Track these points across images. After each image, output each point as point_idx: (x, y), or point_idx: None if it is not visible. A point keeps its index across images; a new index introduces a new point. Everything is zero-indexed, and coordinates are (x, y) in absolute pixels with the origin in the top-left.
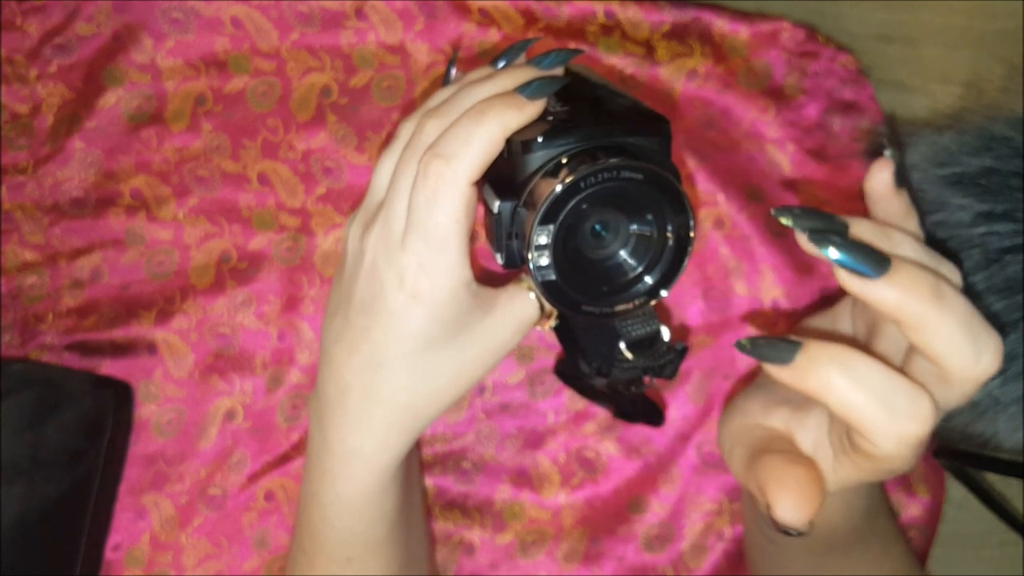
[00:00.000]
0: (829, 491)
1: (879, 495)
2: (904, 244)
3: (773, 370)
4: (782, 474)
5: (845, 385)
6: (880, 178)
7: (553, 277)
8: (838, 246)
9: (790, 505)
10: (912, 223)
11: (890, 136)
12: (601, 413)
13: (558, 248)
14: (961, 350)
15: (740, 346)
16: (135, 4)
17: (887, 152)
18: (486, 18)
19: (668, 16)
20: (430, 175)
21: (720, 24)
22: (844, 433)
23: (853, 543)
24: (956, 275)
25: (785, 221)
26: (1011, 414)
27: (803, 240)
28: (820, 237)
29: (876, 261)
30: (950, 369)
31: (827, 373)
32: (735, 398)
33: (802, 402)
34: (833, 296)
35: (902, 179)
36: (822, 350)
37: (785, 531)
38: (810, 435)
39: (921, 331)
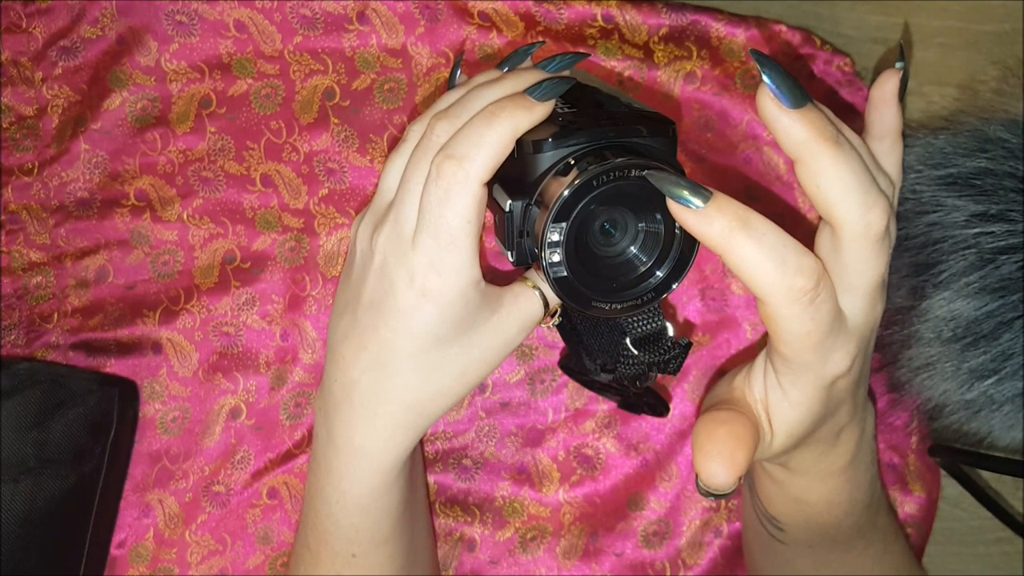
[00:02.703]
0: (790, 425)
1: (880, 492)
2: (854, 140)
3: (680, 212)
4: (705, 440)
5: (742, 237)
6: (888, 84)
7: (565, 273)
8: (772, 70)
9: (716, 470)
10: (897, 148)
11: (903, 52)
12: (600, 411)
13: (570, 245)
14: (851, 196)
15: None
16: (140, 7)
17: (898, 64)
18: (487, 22)
19: (666, 19)
20: (443, 175)
21: (717, 27)
22: (772, 352)
23: (855, 539)
24: (892, 188)
25: (756, 61)
26: (1006, 413)
27: (753, 55)
28: (764, 60)
29: (797, 95)
30: (839, 217)
31: (729, 223)
32: (718, 381)
33: (752, 366)
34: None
35: (903, 93)
36: (729, 202)
37: (708, 494)
38: (758, 383)
39: (817, 172)
